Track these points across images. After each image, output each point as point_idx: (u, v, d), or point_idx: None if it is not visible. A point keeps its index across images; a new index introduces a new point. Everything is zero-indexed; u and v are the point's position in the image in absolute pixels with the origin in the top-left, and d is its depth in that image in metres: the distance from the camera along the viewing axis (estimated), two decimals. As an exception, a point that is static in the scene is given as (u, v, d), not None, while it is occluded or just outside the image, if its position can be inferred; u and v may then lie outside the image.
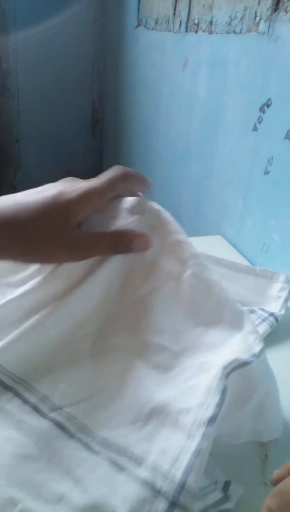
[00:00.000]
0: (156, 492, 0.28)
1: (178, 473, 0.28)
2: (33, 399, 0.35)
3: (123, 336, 0.40)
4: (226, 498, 0.30)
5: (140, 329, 0.40)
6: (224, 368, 0.34)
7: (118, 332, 0.40)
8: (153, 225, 0.42)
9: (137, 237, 0.40)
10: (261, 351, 0.37)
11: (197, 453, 0.29)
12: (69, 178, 0.40)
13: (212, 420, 0.31)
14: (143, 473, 0.29)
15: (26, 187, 0.41)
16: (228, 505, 0.30)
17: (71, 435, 0.32)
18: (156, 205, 0.44)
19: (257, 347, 0.37)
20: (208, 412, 0.31)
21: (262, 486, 0.33)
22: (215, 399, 0.32)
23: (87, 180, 0.40)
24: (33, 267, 0.43)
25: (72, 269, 0.39)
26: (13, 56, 1.79)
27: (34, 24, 1.72)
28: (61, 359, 0.38)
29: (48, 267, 0.41)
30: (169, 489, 0.28)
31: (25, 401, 0.35)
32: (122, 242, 0.40)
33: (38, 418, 0.33)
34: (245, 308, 0.50)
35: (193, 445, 0.30)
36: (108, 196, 0.41)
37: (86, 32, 1.81)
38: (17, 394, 0.35)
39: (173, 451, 0.30)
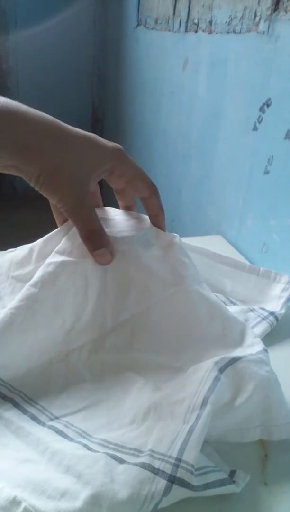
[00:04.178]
0: (155, 472, 0.29)
1: (174, 453, 0.30)
2: (31, 410, 0.35)
3: (121, 352, 0.39)
4: (230, 480, 0.31)
5: (140, 346, 0.40)
6: (216, 362, 0.35)
7: (115, 346, 0.40)
8: (151, 242, 0.42)
9: (105, 247, 0.39)
10: (259, 352, 0.38)
11: (191, 431, 0.30)
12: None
13: (204, 403, 0.32)
14: (141, 459, 0.30)
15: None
16: (234, 488, 0.31)
17: (70, 440, 0.33)
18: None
19: (255, 350, 0.38)
20: (200, 397, 0.33)
21: (262, 486, 0.33)
22: (207, 385, 0.33)
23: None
24: (38, 263, 0.43)
25: (67, 274, 0.39)
26: (13, 56, 1.79)
27: (34, 24, 1.72)
28: (58, 372, 0.38)
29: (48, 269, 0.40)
30: (167, 468, 0.29)
31: (24, 412, 0.35)
32: (94, 241, 0.39)
33: (37, 426, 0.34)
34: (245, 307, 0.50)
35: (187, 427, 0.31)
36: (128, 175, 0.41)
37: (86, 32, 1.81)
38: (16, 405, 0.35)
39: (169, 437, 0.31)
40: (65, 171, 0.37)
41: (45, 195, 0.38)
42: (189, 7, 0.91)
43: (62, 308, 0.38)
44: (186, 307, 0.40)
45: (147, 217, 0.45)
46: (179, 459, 0.29)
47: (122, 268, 0.40)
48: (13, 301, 0.38)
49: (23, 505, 0.27)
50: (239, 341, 0.40)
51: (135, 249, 0.41)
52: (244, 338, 0.40)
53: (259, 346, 0.39)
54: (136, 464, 0.29)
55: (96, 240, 0.39)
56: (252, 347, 0.39)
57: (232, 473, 0.32)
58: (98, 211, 0.44)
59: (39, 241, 0.45)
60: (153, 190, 0.42)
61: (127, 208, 0.46)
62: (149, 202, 0.43)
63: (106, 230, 0.41)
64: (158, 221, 0.44)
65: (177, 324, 0.40)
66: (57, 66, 1.84)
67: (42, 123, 0.37)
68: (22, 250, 0.46)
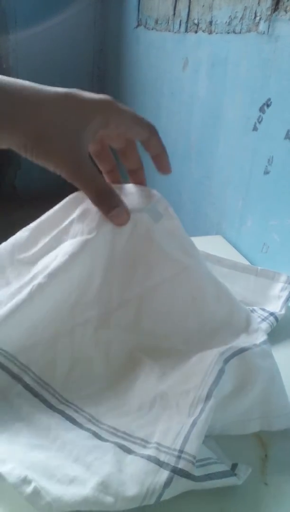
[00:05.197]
0: (159, 464, 0.29)
1: (177, 445, 0.30)
2: (42, 392, 0.35)
3: (127, 330, 0.39)
4: (232, 473, 0.31)
5: (146, 325, 0.39)
6: (221, 354, 0.35)
7: (121, 324, 0.39)
8: (161, 213, 0.41)
9: (119, 207, 0.37)
10: (263, 342, 0.38)
11: (194, 424, 0.31)
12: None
13: (209, 396, 0.32)
14: (148, 451, 0.31)
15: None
16: (235, 481, 0.31)
17: (80, 426, 0.33)
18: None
19: (259, 340, 0.38)
20: (205, 390, 0.33)
21: (262, 486, 0.33)
22: (211, 378, 0.33)
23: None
24: (42, 242, 0.42)
25: (76, 250, 0.38)
26: (13, 56, 1.79)
27: (34, 24, 1.72)
28: (64, 348, 0.38)
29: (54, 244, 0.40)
30: (171, 460, 0.29)
31: (35, 394, 0.35)
32: (106, 202, 0.37)
33: (47, 411, 0.34)
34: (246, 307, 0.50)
35: (191, 420, 0.31)
36: (125, 123, 0.39)
37: (86, 32, 1.81)
38: (25, 387, 0.35)
39: (174, 429, 0.32)
40: (52, 135, 0.35)
41: (40, 164, 0.36)
42: (189, 7, 0.91)
43: (68, 281, 0.38)
44: (194, 286, 0.40)
45: (154, 190, 0.43)
46: (181, 451, 0.30)
47: (131, 242, 0.39)
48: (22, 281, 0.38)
49: (33, 484, 0.27)
50: (245, 325, 0.40)
51: (145, 222, 0.39)
52: (249, 321, 0.40)
53: (262, 335, 0.39)
54: (143, 457, 0.30)
55: (108, 201, 0.37)
56: (256, 333, 0.39)
57: (234, 467, 0.32)
58: None
59: (41, 219, 0.44)
60: (152, 130, 0.41)
61: (133, 172, 0.44)
62: (149, 143, 0.41)
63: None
64: (160, 160, 0.43)
65: (184, 302, 0.40)
66: (57, 66, 1.84)
67: (18, 90, 0.35)
68: (22, 233, 0.45)
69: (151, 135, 0.41)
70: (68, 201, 0.42)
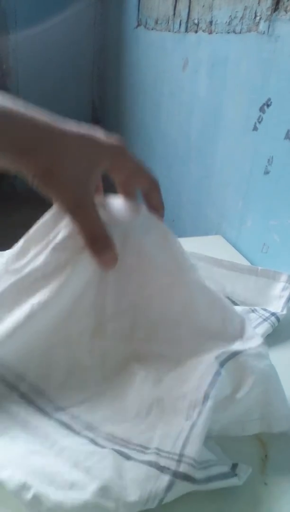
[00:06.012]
0: (160, 469, 0.30)
1: (177, 449, 0.30)
2: (37, 401, 0.35)
3: (122, 339, 0.39)
4: (233, 474, 0.31)
5: (141, 335, 0.40)
6: (216, 357, 0.35)
7: (116, 334, 0.40)
8: (149, 227, 0.42)
9: (112, 250, 0.38)
10: (259, 346, 0.38)
11: (192, 427, 0.31)
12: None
13: (206, 398, 0.32)
14: (148, 457, 0.31)
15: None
16: (236, 481, 0.31)
17: (77, 433, 0.33)
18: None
19: (255, 344, 0.38)
20: (201, 392, 0.33)
21: (262, 486, 0.33)
22: (207, 381, 0.34)
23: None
24: (31, 253, 0.43)
25: (67, 260, 0.39)
26: (13, 56, 1.79)
27: (34, 24, 1.72)
28: (60, 357, 0.38)
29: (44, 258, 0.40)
30: (171, 464, 0.30)
31: (29, 403, 0.35)
32: (97, 246, 0.38)
33: (43, 419, 0.34)
34: (246, 307, 0.50)
35: (190, 423, 0.32)
36: (127, 171, 0.40)
37: (86, 32, 1.81)
38: (21, 396, 0.35)
39: (173, 434, 0.32)
40: (61, 170, 0.36)
41: (45, 194, 0.37)
42: (189, 7, 0.91)
43: (61, 293, 0.38)
44: (186, 296, 0.40)
45: (143, 205, 0.44)
46: (181, 454, 0.30)
47: (123, 254, 0.39)
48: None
49: (33, 490, 0.27)
50: (239, 332, 0.40)
51: (136, 234, 0.40)
52: (244, 329, 0.40)
53: (258, 339, 0.39)
54: (143, 463, 0.30)
55: (100, 244, 0.38)
56: (252, 339, 0.39)
57: (234, 467, 0.32)
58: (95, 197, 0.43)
59: (31, 231, 0.44)
60: (153, 184, 0.42)
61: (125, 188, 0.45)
62: (149, 195, 0.43)
63: (105, 215, 0.40)
64: (156, 213, 0.43)
65: (177, 312, 0.40)
66: (57, 66, 1.84)
67: (40, 123, 0.36)
68: (18, 244, 0.46)
69: (151, 188, 0.42)
70: (57, 211, 0.43)
